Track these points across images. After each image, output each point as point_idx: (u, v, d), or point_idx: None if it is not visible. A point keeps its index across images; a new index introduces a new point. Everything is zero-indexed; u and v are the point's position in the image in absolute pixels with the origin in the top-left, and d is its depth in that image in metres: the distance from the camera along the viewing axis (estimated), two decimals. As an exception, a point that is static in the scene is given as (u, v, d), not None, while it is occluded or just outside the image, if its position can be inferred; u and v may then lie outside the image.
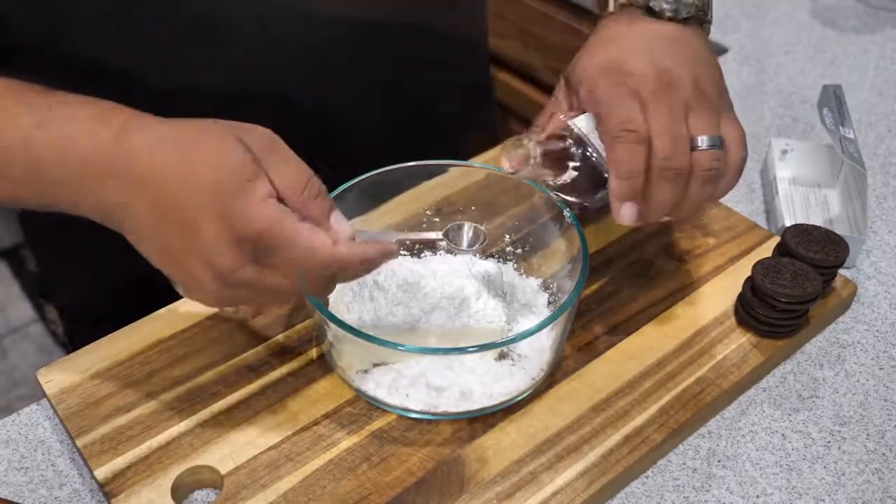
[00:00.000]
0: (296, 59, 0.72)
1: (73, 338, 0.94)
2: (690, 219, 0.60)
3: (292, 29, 0.70)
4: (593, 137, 0.57)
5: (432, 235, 0.62)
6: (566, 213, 0.64)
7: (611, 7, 0.64)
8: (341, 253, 0.51)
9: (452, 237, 0.61)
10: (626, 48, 0.59)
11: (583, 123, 0.58)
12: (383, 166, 0.67)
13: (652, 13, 0.61)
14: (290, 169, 0.51)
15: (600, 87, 0.57)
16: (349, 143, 0.78)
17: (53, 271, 0.91)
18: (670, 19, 0.61)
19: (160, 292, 0.62)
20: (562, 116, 0.58)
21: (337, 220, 0.53)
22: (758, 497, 0.58)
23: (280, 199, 0.50)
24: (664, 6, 0.61)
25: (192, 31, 0.67)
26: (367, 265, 0.53)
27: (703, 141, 0.56)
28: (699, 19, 0.62)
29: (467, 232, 0.61)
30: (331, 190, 0.61)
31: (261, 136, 0.52)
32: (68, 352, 0.68)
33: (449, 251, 0.67)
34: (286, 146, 0.52)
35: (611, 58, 0.59)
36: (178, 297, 0.68)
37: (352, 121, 0.78)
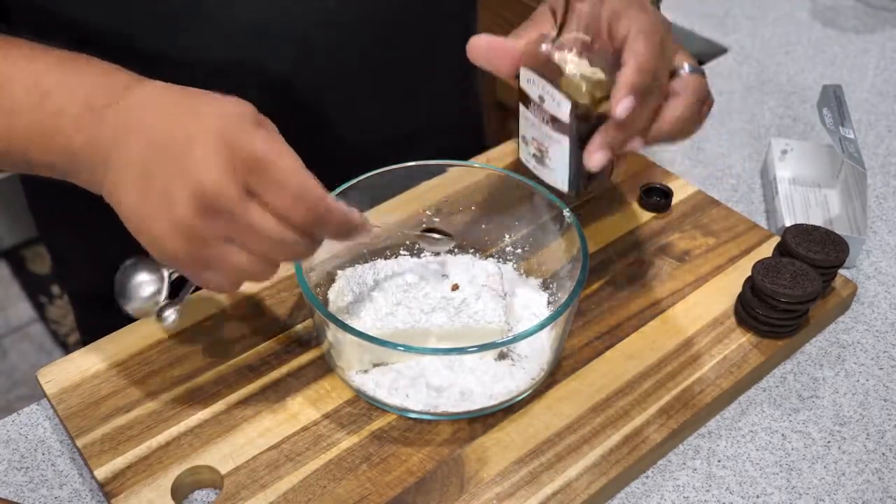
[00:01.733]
0: (285, 40, 0.71)
1: (84, 326, 0.94)
2: (685, 137, 0.62)
3: (284, 7, 0.70)
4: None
5: (410, 234, 0.61)
6: (566, 212, 0.64)
7: None
8: (331, 201, 0.50)
9: (426, 237, 0.61)
10: None
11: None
12: (368, 155, 0.67)
13: None
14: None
15: (632, 15, 0.57)
16: (335, 129, 0.78)
17: (64, 257, 0.91)
18: None
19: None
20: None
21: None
22: (758, 497, 0.58)
23: None
24: None
25: (186, 7, 0.67)
26: (347, 226, 0.52)
27: (690, 67, 0.61)
28: None
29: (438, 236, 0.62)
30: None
31: (267, 120, 0.52)
32: (68, 351, 0.68)
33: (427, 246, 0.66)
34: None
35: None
36: None
37: (338, 105, 0.77)
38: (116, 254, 0.58)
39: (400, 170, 0.68)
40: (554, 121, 0.58)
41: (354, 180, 0.66)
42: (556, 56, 0.58)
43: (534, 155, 0.62)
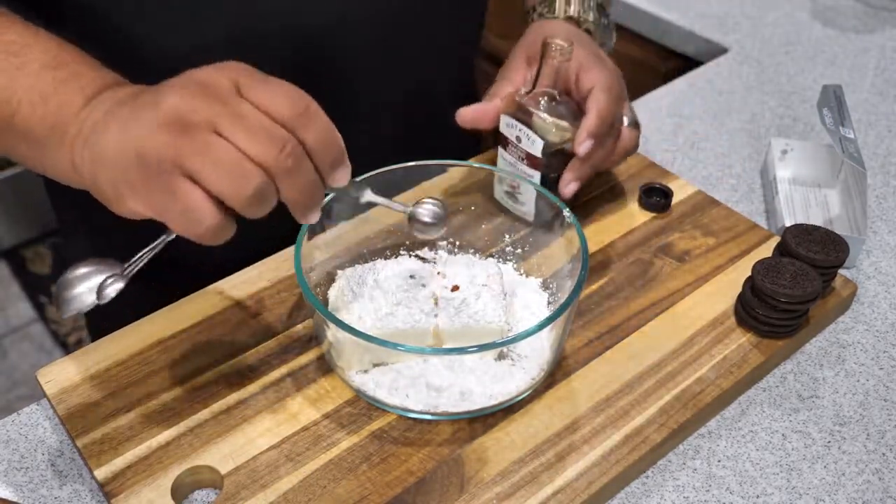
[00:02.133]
0: (286, 37, 0.71)
1: (91, 326, 0.94)
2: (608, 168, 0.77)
3: (295, 5, 0.70)
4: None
5: (398, 207, 0.58)
6: (566, 212, 0.64)
7: (559, 13, 0.80)
8: (318, 107, 0.49)
9: (416, 218, 0.58)
10: (583, 44, 0.74)
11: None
12: (368, 154, 0.67)
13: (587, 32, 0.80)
14: None
15: (593, 66, 0.71)
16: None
17: (76, 257, 0.91)
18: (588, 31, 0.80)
19: (180, 278, 0.62)
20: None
21: None
22: (758, 497, 0.58)
23: None
24: (595, 32, 0.80)
25: None
26: (329, 133, 0.49)
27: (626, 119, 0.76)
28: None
29: (431, 211, 0.58)
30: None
31: None
32: (68, 351, 0.68)
33: (417, 228, 0.63)
34: None
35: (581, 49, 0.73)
36: (182, 292, 0.68)
37: (339, 105, 0.78)
38: (131, 248, 0.57)
39: (400, 170, 0.68)
40: (529, 157, 0.70)
41: (354, 180, 0.65)
42: (530, 105, 0.70)
43: (507, 191, 0.72)
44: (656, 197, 0.77)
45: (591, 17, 0.80)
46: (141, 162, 0.47)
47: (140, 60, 0.60)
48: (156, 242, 0.53)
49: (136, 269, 0.53)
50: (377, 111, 0.80)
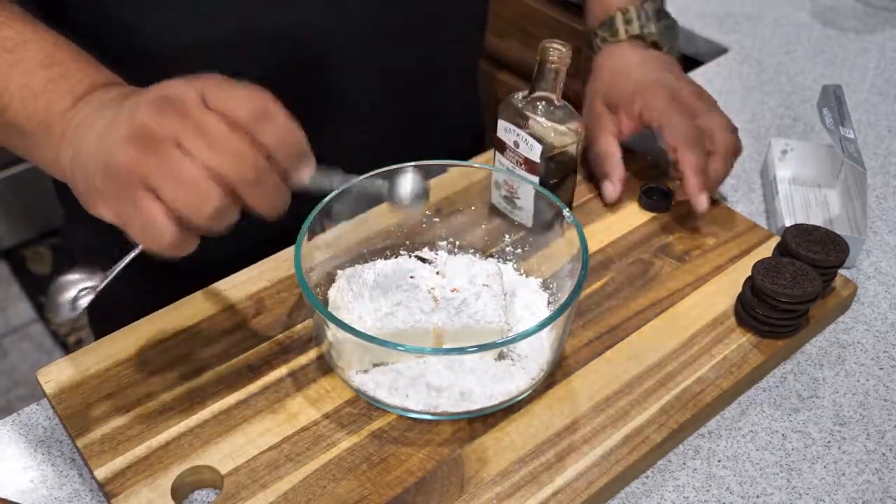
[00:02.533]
0: (292, 37, 0.72)
1: (94, 325, 0.93)
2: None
3: (305, 8, 0.71)
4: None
5: (377, 182, 0.58)
6: (566, 213, 0.64)
7: (621, 36, 0.81)
8: (272, 100, 0.49)
9: (394, 189, 0.57)
10: (650, 70, 0.78)
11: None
12: (368, 154, 0.67)
13: (655, 46, 0.82)
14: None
15: (657, 102, 0.74)
16: (336, 128, 0.78)
17: (81, 255, 0.91)
18: (660, 48, 0.82)
19: (180, 278, 0.62)
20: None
21: None
22: (758, 497, 0.58)
23: None
24: (661, 40, 0.81)
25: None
26: (290, 133, 0.49)
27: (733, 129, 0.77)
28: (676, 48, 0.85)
29: (411, 182, 0.57)
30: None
31: None
32: (68, 351, 0.68)
33: (396, 203, 0.59)
34: None
35: (646, 78, 0.77)
36: (182, 292, 0.68)
37: (340, 105, 0.78)
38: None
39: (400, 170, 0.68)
40: (527, 162, 0.70)
41: (354, 180, 0.65)
42: (528, 110, 0.70)
43: (504, 196, 0.72)
44: (656, 197, 0.77)
45: (653, 28, 0.81)
46: (109, 172, 0.48)
47: (139, 55, 0.60)
48: (126, 257, 0.53)
49: (107, 281, 0.54)
50: (377, 110, 0.80)
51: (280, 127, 0.49)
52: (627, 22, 0.81)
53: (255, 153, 0.48)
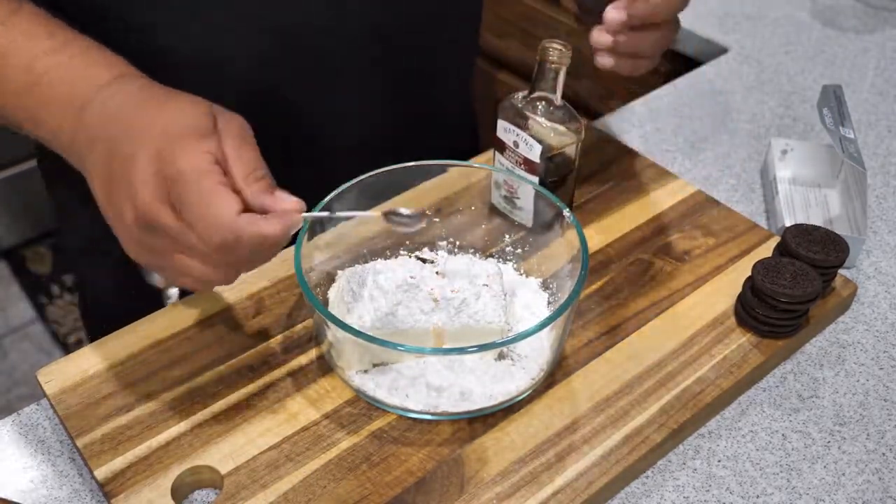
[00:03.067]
0: (290, 38, 0.72)
1: (89, 327, 0.94)
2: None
3: (305, 8, 0.71)
4: None
5: (370, 214, 0.58)
6: (566, 212, 0.64)
7: None
8: (240, 222, 0.49)
9: (392, 218, 0.58)
10: None
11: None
12: (367, 154, 0.67)
13: None
14: (246, 150, 0.52)
15: None
16: (335, 129, 0.78)
17: (74, 257, 0.91)
18: None
19: None
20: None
21: (282, 193, 0.52)
22: (758, 497, 0.58)
23: (223, 172, 0.51)
24: None
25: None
26: (265, 241, 0.50)
27: None
28: None
29: (406, 212, 0.58)
30: (316, 184, 0.62)
31: (234, 117, 0.53)
32: (68, 351, 0.68)
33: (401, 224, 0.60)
34: (253, 138, 0.53)
35: None
36: (182, 292, 0.68)
37: (338, 105, 0.78)
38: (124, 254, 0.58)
39: (400, 170, 0.68)
40: (526, 162, 0.70)
41: (354, 181, 0.66)
42: (528, 110, 0.69)
43: (504, 196, 0.72)
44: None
45: None
46: (126, 250, 0.54)
47: (139, 53, 0.60)
48: None
49: None
50: (376, 110, 0.80)
51: (250, 247, 0.51)
52: None
53: (242, 262, 0.53)
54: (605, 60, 0.67)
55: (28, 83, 0.56)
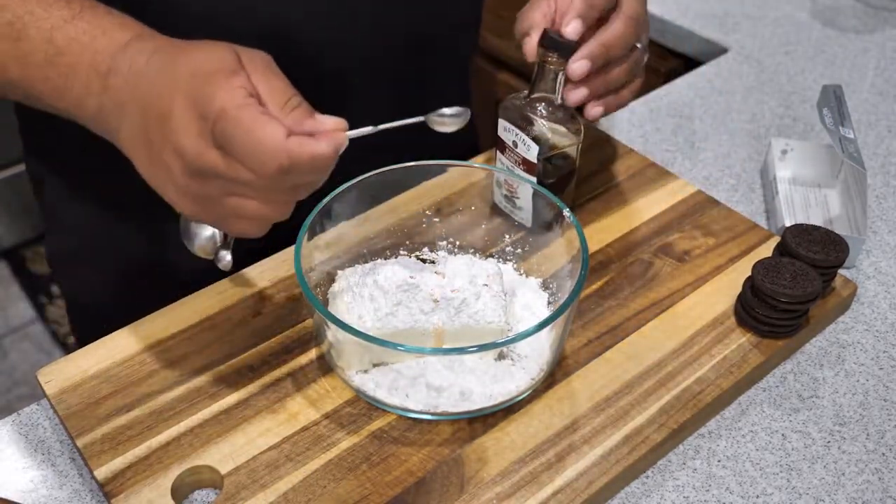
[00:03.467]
0: (291, 31, 0.71)
1: (79, 331, 0.94)
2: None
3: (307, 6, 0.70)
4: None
5: (412, 120, 0.58)
6: (566, 212, 0.64)
7: None
8: (290, 145, 0.49)
9: (433, 118, 0.59)
10: None
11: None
12: (364, 153, 0.66)
13: None
14: (276, 80, 0.52)
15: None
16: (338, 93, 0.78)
17: (63, 260, 0.91)
18: None
19: (180, 278, 0.62)
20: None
21: (322, 117, 0.52)
22: (758, 497, 0.58)
23: (259, 103, 0.50)
24: None
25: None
26: (317, 161, 0.50)
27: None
28: None
29: (448, 110, 0.59)
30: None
31: (256, 52, 0.53)
32: (68, 351, 0.68)
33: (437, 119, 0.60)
34: (278, 69, 0.53)
35: None
36: (176, 294, 0.68)
37: (336, 104, 0.78)
38: (116, 259, 0.58)
39: (400, 170, 0.68)
40: (525, 162, 0.70)
41: (354, 180, 0.66)
42: (527, 110, 0.69)
43: (505, 195, 0.72)
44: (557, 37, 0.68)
45: None
46: (179, 210, 0.53)
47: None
48: None
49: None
50: (372, 109, 0.80)
51: (308, 168, 0.50)
52: None
53: (297, 190, 0.52)
54: (594, 111, 0.69)
55: (50, 54, 0.56)
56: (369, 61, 0.77)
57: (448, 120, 0.58)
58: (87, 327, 0.76)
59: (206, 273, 0.69)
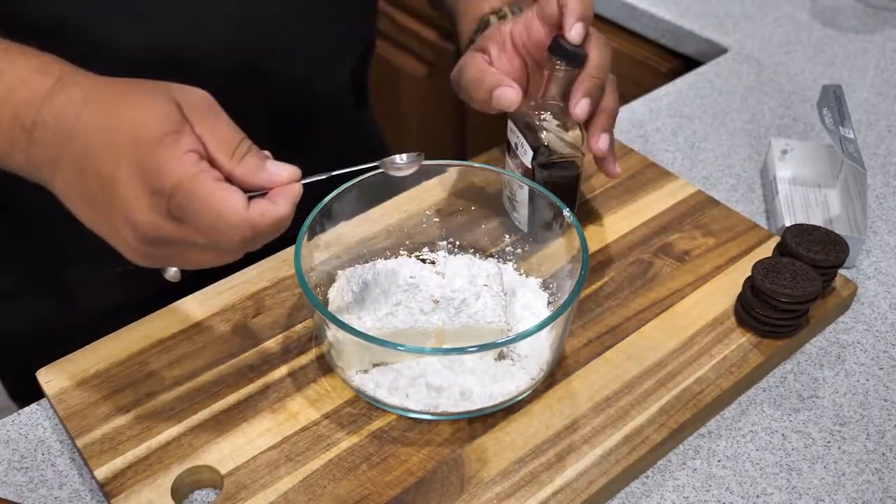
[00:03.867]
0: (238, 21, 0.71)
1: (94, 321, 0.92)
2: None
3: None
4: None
5: (367, 166, 0.58)
6: (566, 212, 0.64)
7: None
8: (252, 216, 0.49)
9: (388, 163, 0.59)
10: None
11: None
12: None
13: None
14: (221, 127, 0.50)
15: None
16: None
17: None
18: None
19: (182, 280, 0.61)
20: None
21: (275, 166, 0.51)
22: (758, 497, 0.58)
23: (209, 160, 0.49)
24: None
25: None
26: (280, 223, 0.50)
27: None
28: None
29: (403, 157, 0.59)
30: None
31: (195, 95, 0.51)
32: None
33: (394, 169, 0.60)
34: (220, 108, 0.51)
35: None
36: (182, 292, 0.68)
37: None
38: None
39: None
40: (522, 166, 0.70)
41: (354, 180, 0.66)
42: (532, 115, 0.69)
43: (507, 196, 0.72)
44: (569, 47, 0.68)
45: None
46: (124, 255, 0.52)
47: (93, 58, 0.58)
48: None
49: None
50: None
51: (268, 235, 0.51)
52: (502, 17, 0.75)
53: (250, 242, 0.51)
54: (602, 142, 0.68)
55: None
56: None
57: (404, 166, 0.58)
58: (101, 321, 0.75)
59: (208, 272, 0.69)
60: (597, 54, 0.66)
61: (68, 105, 0.50)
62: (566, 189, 0.70)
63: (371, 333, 0.57)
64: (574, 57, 0.65)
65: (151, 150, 0.48)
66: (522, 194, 0.69)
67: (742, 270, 0.71)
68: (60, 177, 0.51)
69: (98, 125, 0.49)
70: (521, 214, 0.70)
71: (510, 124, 0.70)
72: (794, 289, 0.64)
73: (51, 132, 0.50)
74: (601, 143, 0.68)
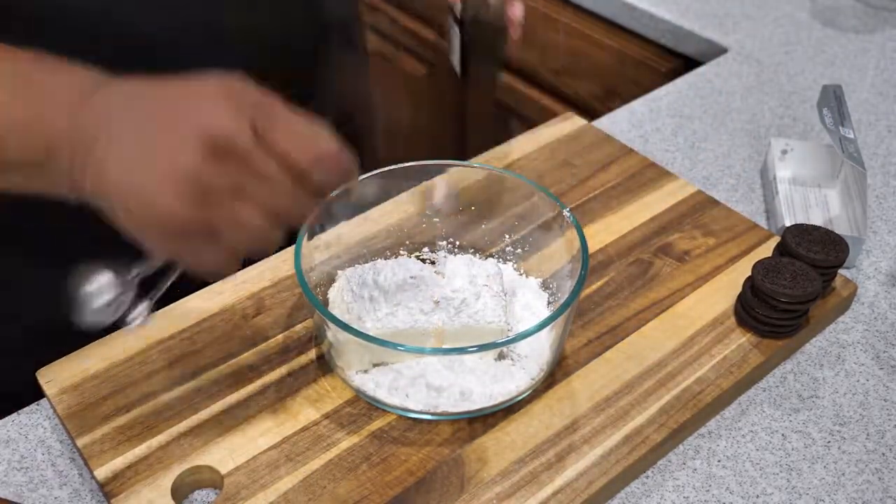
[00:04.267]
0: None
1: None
2: None
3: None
4: None
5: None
6: (566, 212, 0.64)
7: None
8: (336, 140, 0.48)
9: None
10: None
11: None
12: None
13: None
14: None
15: None
16: None
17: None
18: None
19: (180, 278, 0.60)
20: None
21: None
22: (758, 497, 0.58)
23: None
24: None
25: None
26: (347, 161, 0.49)
27: None
28: None
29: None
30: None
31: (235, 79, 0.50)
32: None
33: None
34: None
35: None
36: (182, 292, 0.68)
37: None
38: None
39: (400, 170, 0.68)
40: (455, 19, 0.73)
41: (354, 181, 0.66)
42: None
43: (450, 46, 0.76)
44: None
45: None
46: (162, 228, 0.47)
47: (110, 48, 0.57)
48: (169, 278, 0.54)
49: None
50: None
51: (340, 170, 0.49)
52: None
53: (309, 195, 0.48)
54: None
55: (18, 89, 0.52)
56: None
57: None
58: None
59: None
60: None
61: (122, 85, 0.50)
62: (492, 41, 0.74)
63: (371, 333, 0.57)
64: None
65: (232, 83, 0.48)
66: (456, 42, 0.73)
67: (742, 270, 0.71)
68: (112, 127, 0.48)
69: (161, 91, 0.49)
70: (455, 59, 0.74)
71: None
72: (794, 289, 0.64)
73: (115, 91, 0.50)
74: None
